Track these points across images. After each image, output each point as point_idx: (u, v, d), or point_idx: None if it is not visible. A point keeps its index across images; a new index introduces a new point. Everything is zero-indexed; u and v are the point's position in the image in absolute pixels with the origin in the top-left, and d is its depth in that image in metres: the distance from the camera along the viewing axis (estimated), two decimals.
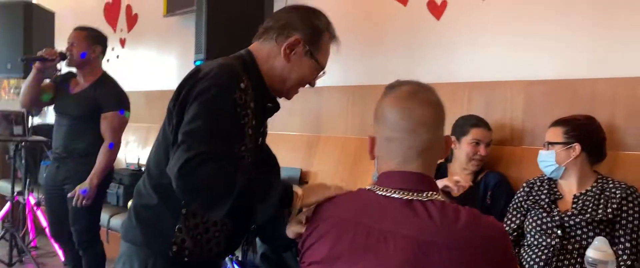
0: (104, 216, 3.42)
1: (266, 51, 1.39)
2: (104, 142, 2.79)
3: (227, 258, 1.80)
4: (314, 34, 1.38)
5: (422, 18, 2.77)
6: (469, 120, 2.33)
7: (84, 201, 2.67)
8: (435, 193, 1.06)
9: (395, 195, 1.06)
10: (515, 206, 2.13)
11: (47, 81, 3.04)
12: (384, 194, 1.07)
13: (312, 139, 3.24)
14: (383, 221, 1.03)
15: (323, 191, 1.18)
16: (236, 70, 1.31)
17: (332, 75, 3.16)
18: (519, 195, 2.14)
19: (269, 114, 1.47)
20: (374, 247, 1.02)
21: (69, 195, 2.71)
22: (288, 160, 3.26)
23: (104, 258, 2.92)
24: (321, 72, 1.44)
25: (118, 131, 2.83)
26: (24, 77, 3.84)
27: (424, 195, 1.05)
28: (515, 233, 2.09)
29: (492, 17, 2.52)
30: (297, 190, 1.20)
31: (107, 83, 2.88)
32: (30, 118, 3.87)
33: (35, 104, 3.02)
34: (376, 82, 2.97)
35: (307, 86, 1.44)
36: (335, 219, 1.09)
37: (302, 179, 3.12)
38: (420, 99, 1.11)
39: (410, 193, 1.05)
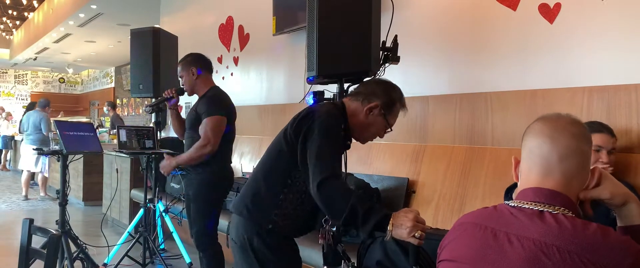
0: (224, 222, 3.69)
1: (354, 107, 1.95)
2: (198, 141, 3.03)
3: (343, 264, 1.88)
4: (390, 103, 1.94)
5: (533, 22, 2.68)
6: (590, 126, 2.21)
7: (162, 171, 3.15)
8: (567, 209, 1.09)
9: (526, 206, 1.11)
10: None
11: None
12: (516, 205, 1.13)
13: (418, 148, 3.24)
14: (510, 226, 1.09)
15: (407, 217, 1.55)
16: (340, 114, 1.89)
17: (439, 83, 3.19)
18: None
19: (346, 148, 2.03)
20: (500, 248, 1.07)
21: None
22: (395, 170, 3.30)
23: (222, 261, 3.15)
24: (389, 129, 1.99)
25: (209, 132, 3.00)
26: (154, 97, 4.30)
27: (556, 208, 1.08)
28: None
29: (611, 18, 2.37)
30: (391, 222, 1.57)
31: (209, 95, 3.15)
32: (158, 132, 4.26)
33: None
34: (485, 90, 2.91)
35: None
36: (468, 225, 1.18)
37: (410, 188, 3.13)
38: (568, 118, 1.18)
39: (542, 205, 1.10)
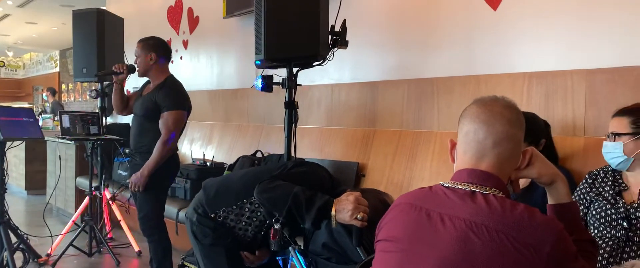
0: (173, 209, 3.64)
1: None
2: (160, 138, 2.98)
3: (290, 247, 1.89)
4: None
5: (478, 9, 2.74)
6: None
7: (136, 188, 2.98)
8: (499, 190, 1.13)
9: (459, 187, 1.15)
10: (577, 198, 2.08)
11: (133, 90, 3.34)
12: (450, 186, 1.17)
13: (368, 133, 3.29)
14: (443, 206, 1.13)
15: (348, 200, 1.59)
16: (326, 182, 1.91)
17: (387, 68, 3.23)
18: (581, 186, 2.09)
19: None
20: (433, 227, 1.11)
21: (127, 182, 3.05)
22: (345, 154, 3.33)
23: (168, 246, 3.11)
24: None
25: (172, 128, 2.98)
26: (98, 81, 4.15)
27: (487, 189, 1.13)
28: None
29: (550, 5, 2.46)
30: (334, 207, 1.62)
31: (168, 85, 3.08)
32: (104, 118, 4.13)
33: (125, 111, 3.40)
34: (432, 76, 2.97)
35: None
36: (404, 205, 1.21)
37: (359, 172, 3.17)
38: (503, 103, 1.21)
39: (475, 186, 1.14)
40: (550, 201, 1.28)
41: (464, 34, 2.83)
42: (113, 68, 3.31)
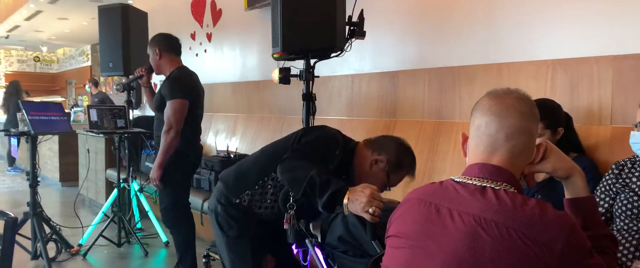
0: (198, 200, 3.69)
1: (364, 152, 1.94)
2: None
3: (306, 241, 1.90)
4: (397, 164, 1.90)
5: None
6: None
7: (154, 183, 3.05)
8: (510, 185, 1.10)
9: (469, 181, 1.13)
10: (603, 189, 2.02)
11: None
12: (460, 180, 1.15)
13: (389, 123, 3.26)
14: (453, 201, 1.11)
15: (363, 193, 1.56)
16: (341, 143, 1.93)
17: (408, 58, 3.18)
18: (607, 177, 2.03)
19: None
20: (442, 222, 1.09)
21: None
22: None
23: (190, 237, 3.16)
24: (387, 188, 1.92)
25: (172, 118, 2.98)
26: (124, 75, 4.23)
27: (499, 183, 1.10)
28: (603, 218, 1.99)
29: None
30: (347, 195, 1.58)
31: (172, 76, 3.12)
32: (130, 111, 4.21)
33: None
34: (453, 64, 2.92)
35: None
36: (414, 200, 1.19)
37: None
38: (516, 95, 1.17)
39: (486, 181, 1.11)
40: (567, 195, 1.24)
41: (485, 21, 2.76)
42: (135, 73, 3.44)
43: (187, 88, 3.05)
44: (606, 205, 1.99)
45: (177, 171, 3.07)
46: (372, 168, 1.90)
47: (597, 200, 2.02)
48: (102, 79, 14.59)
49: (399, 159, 1.90)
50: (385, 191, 1.87)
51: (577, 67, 2.37)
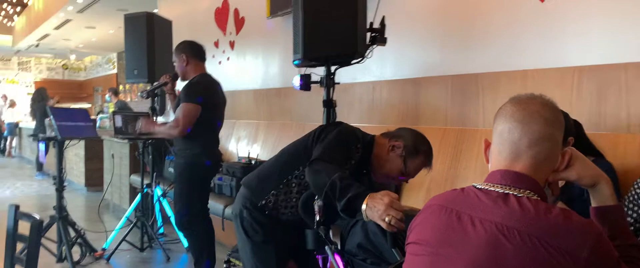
0: (219, 206, 3.72)
1: (382, 141, 1.99)
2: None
3: (326, 247, 1.89)
4: (413, 150, 1.92)
5: (524, 2, 2.64)
6: None
7: (139, 130, 3.24)
8: (533, 193, 1.08)
9: (492, 188, 1.11)
10: (632, 198, 1.97)
11: None
12: (482, 187, 1.13)
13: None
14: (474, 208, 1.09)
15: (382, 201, 1.54)
16: (360, 137, 1.97)
17: (431, 65, 3.16)
18: (636, 185, 1.97)
19: (362, 176, 2.00)
20: (463, 230, 1.08)
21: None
22: None
23: (206, 241, 3.18)
24: (404, 177, 1.96)
25: (180, 117, 3.03)
26: (149, 82, 4.30)
27: (521, 191, 1.08)
28: (632, 228, 1.93)
29: None
30: (366, 201, 1.57)
31: (191, 82, 3.17)
32: (155, 117, 4.27)
33: None
34: (476, 71, 2.89)
35: None
36: (435, 207, 1.17)
37: None
38: (540, 101, 1.14)
39: (509, 188, 1.09)
40: (593, 203, 1.21)
41: (509, 27, 2.72)
42: (160, 80, 3.51)
43: (203, 93, 3.09)
44: (635, 215, 1.94)
45: (191, 176, 3.10)
46: (389, 154, 1.93)
47: (625, 209, 1.97)
48: (127, 86, 14.88)
49: (415, 144, 1.93)
50: (404, 200, 1.85)
51: (604, 74, 2.32)
